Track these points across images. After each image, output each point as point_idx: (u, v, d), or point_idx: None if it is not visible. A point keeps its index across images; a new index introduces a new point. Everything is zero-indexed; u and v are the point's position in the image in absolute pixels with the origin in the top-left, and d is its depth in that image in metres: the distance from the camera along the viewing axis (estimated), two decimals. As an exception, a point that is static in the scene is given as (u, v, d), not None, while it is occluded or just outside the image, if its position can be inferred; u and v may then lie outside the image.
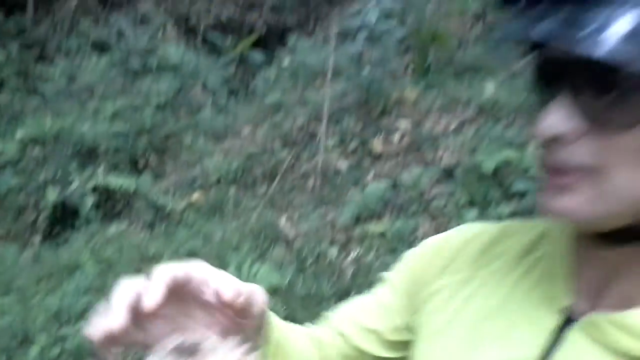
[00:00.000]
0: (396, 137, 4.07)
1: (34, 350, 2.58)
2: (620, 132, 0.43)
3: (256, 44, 7.95)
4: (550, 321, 0.52)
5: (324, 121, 4.03)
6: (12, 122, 5.89)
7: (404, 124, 4.13)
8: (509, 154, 3.42)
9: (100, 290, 2.96)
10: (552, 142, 0.45)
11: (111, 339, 0.48)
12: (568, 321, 0.51)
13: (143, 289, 0.49)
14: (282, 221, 3.62)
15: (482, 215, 3.22)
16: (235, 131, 4.99)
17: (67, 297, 2.84)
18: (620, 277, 0.49)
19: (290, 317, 0.82)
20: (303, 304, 2.97)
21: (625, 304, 0.48)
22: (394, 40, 4.85)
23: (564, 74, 0.45)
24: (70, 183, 4.16)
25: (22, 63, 6.98)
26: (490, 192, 3.37)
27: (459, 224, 0.68)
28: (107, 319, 0.48)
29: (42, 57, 7.20)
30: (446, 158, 3.83)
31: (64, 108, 5.67)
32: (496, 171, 3.42)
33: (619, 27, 0.40)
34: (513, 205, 3.25)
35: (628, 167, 0.44)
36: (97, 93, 5.69)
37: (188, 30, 8.26)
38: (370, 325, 0.66)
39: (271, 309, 0.62)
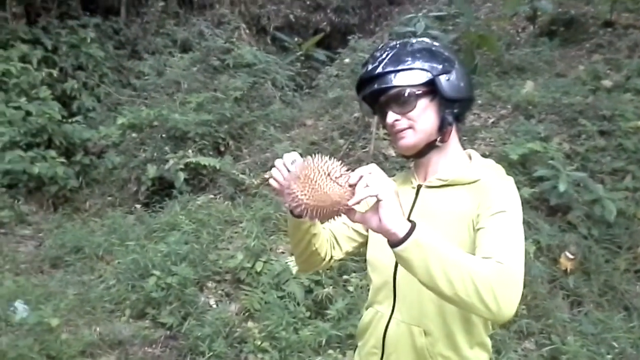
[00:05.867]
0: (439, 129, 4.60)
1: (151, 280, 3.36)
2: (409, 111, 1.24)
3: (320, 43, 8.48)
4: (412, 192, 1.34)
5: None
6: (112, 110, 6.77)
7: (447, 119, 4.66)
8: (533, 145, 3.92)
9: (196, 241, 3.74)
10: (394, 122, 1.25)
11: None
12: (419, 189, 1.33)
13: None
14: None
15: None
16: (300, 122, 5.66)
17: (172, 245, 3.60)
18: (428, 166, 1.33)
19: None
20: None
21: (433, 174, 1.32)
22: (445, 42, 5.33)
23: (386, 100, 1.26)
24: (166, 162, 4.89)
25: (117, 60, 7.78)
26: (516, 177, 3.91)
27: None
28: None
29: (133, 55, 8.01)
30: (482, 148, 4.36)
31: (154, 99, 6.45)
32: (522, 159, 3.94)
33: (400, 78, 1.24)
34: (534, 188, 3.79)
35: (420, 122, 1.25)
36: (183, 87, 6.40)
37: (259, 30, 8.93)
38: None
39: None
